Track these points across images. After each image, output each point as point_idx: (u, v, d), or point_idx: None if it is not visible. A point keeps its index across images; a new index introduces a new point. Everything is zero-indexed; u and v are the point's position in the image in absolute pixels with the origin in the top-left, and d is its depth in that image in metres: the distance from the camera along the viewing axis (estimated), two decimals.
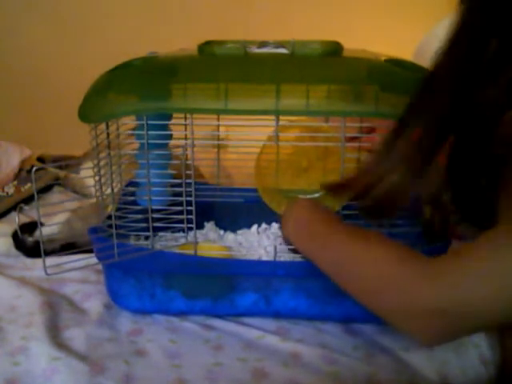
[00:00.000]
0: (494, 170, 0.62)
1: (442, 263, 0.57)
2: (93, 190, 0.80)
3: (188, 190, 0.77)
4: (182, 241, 0.80)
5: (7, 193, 1.22)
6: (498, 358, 0.75)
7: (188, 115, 0.78)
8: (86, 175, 0.83)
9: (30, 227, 1.02)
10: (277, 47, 0.79)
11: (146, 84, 0.75)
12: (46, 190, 1.24)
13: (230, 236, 1.00)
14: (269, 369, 0.73)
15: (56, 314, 0.82)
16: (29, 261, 0.98)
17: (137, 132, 0.82)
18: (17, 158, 1.30)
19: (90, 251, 0.80)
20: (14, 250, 1.00)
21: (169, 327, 0.80)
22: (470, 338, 0.77)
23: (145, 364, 0.73)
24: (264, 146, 0.94)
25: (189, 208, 0.78)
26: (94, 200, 0.84)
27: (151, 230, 0.78)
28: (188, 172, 0.78)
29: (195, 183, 0.78)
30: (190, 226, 0.78)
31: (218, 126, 0.85)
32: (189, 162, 0.79)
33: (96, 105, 0.76)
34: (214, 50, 0.78)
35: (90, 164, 0.78)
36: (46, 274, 0.71)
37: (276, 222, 1.01)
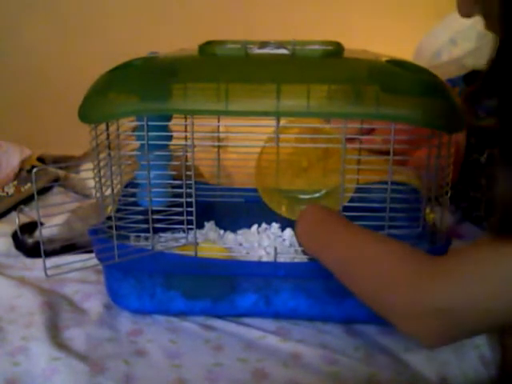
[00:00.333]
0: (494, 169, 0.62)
1: (444, 263, 0.57)
2: (93, 190, 0.80)
3: (188, 190, 0.77)
4: (183, 241, 0.80)
5: (7, 193, 1.22)
6: (499, 359, 0.75)
7: (188, 116, 0.78)
8: (86, 176, 0.83)
9: (30, 227, 1.02)
10: (277, 48, 0.79)
11: (146, 84, 0.75)
12: (46, 190, 1.24)
13: (229, 236, 1.00)
14: (269, 369, 0.72)
15: (56, 314, 0.82)
16: (29, 261, 0.98)
17: (137, 133, 0.82)
18: (17, 158, 1.30)
19: (90, 251, 0.80)
20: (14, 250, 1.00)
21: (169, 327, 0.80)
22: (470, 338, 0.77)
23: (145, 364, 0.73)
24: (264, 146, 0.94)
25: (189, 209, 0.78)
26: (94, 200, 0.84)
27: (151, 230, 0.78)
28: (188, 173, 0.77)
29: (195, 183, 0.78)
30: (190, 227, 0.78)
31: (218, 126, 0.85)
32: (189, 163, 0.79)
33: (96, 105, 0.76)
34: (215, 51, 0.78)
35: (90, 164, 0.78)
36: (46, 275, 0.71)
37: (276, 221, 1.01)
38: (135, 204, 0.82)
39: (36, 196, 0.71)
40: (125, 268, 0.80)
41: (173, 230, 0.93)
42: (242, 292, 0.80)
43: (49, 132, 1.67)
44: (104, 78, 0.76)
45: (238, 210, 1.00)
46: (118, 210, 0.80)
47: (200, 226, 1.00)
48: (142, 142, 0.77)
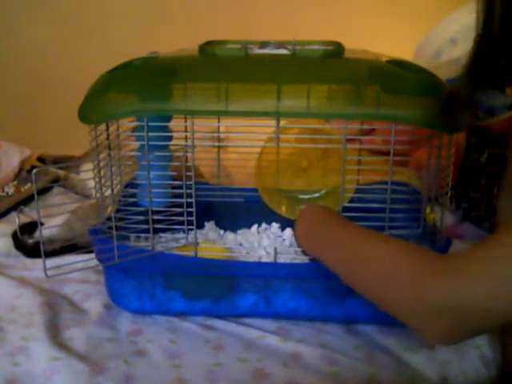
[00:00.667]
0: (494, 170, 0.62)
1: (451, 261, 0.57)
2: (93, 190, 0.80)
3: (188, 191, 0.77)
4: (183, 242, 0.80)
5: (7, 193, 1.22)
6: (499, 359, 0.75)
7: (188, 116, 0.78)
8: (86, 176, 0.83)
9: (30, 227, 1.02)
10: (278, 48, 0.78)
11: (146, 84, 0.75)
12: (46, 190, 1.24)
13: (229, 236, 1.00)
14: (269, 369, 0.72)
15: (56, 314, 0.82)
16: (29, 261, 0.98)
17: (137, 134, 0.82)
18: (17, 158, 1.30)
19: (91, 252, 0.80)
20: (13, 250, 1.00)
21: (169, 327, 0.80)
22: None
23: (145, 364, 0.73)
24: (264, 146, 0.94)
25: (189, 209, 0.78)
26: (94, 201, 0.84)
27: (151, 231, 0.78)
28: (188, 173, 0.77)
29: (195, 183, 0.78)
30: (190, 227, 0.78)
31: (219, 126, 0.85)
32: (189, 164, 0.78)
33: (96, 105, 0.76)
34: (215, 51, 0.78)
35: (90, 165, 0.78)
36: (46, 276, 0.71)
37: (276, 221, 1.01)
38: (135, 204, 0.82)
39: (36, 196, 0.71)
40: (125, 268, 0.80)
41: (173, 231, 0.93)
42: (242, 292, 0.80)
43: (49, 132, 1.67)
44: (104, 78, 0.76)
45: (238, 209, 1.00)
46: (118, 211, 0.80)
47: (200, 226, 1.00)
48: (142, 142, 0.77)
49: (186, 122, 0.84)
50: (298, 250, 0.81)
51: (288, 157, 0.95)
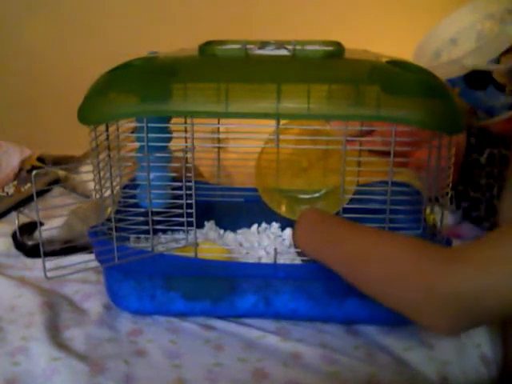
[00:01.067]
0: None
1: (458, 251, 0.57)
2: (93, 191, 0.80)
3: (188, 192, 0.77)
4: (183, 242, 0.80)
5: (7, 193, 1.22)
6: (500, 358, 0.75)
7: (188, 116, 0.78)
8: (86, 177, 0.83)
9: (30, 228, 1.02)
10: (278, 48, 0.78)
11: (146, 85, 0.75)
12: (46, 191, 1.24)
13: (229, 235, 1.00)
14: (269, 369, 0.72)
15: (56, 314, 0.82)
16: (29, 261, 0.98)
17: (136, 134, 0.82)
18: (17, 158, 1.30)
19: (91, 252, 0.80)
20: (13, 250, 1.00)
21: (169, 327, 0.80)
22: (470, 337, 0.77)
23: (145, 364, 0.73)
24: (264, 147, 0.94)
25: (189, 210, 0.78)
26: (94, 201, 0.84)
27: (151, 232, 0.78)
28: (188, 174, 0.77)
29: (195, 183, 0.78)
30: (190, 228, 0.78)
31: (218, 127, 0.85)
32: (189, 165, 0.78)
33: (95, 106, 0.75)
34: (215, 51, 0.78)
35: (90, 165, 0.78)
36: (46, 277, 0.71)
37: (276, 221, 1.01)
38: (135, 205, 0.82)
39: (35, 197, 0.71)
40: (125, 269, 0.79)
41: (173, 231, 0.93)
42: (242, 293, 0.80)
43: (49, 132, 1.67)
44: (104, 78, 0.76)
45: (238, 209, 1.00)
46: (117, 212, 0.80)
47: (200, 225, 1.00)
48: (142, 143, 0.77)
49: (185, 122, 0.84)
50: (297, 250, 0.81)
51: (288, 157, 0.96)
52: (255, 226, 1.01)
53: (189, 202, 0.77)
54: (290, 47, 0.78)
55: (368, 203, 0.81)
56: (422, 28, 1.24)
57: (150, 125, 0.76)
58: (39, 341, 0.76)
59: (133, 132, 0.83)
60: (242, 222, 1.02)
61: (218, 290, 0.80)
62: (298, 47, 0.78)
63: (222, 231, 1.02)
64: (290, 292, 0.79)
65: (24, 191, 1.22)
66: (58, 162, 1.36)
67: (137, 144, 0.83)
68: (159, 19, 1.70)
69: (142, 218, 0.78)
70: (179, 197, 0.78)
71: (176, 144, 0.87)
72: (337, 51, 0.77)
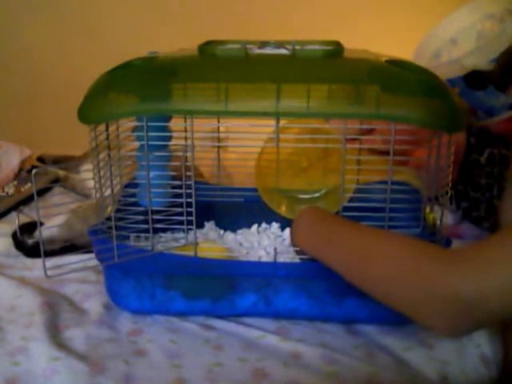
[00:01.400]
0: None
1: (462, 252, 0.57)
2: (93, 190, 0.80)
3: (188, 191, 0.77)
4: (183, 241, 0.80)
5: (7, 193, 1.22)
6: (500, 358, 0.75)
7: (188, 116, 0.78)
8: (86, 176, 0.83)
9: (30, 227, 1.02)
10: (277, 48, 0.79)
11: (146, 84, 0.75)
12: (46, 190, 1.24)
13: (229, 236, 1.00)
14: (269, 369, 0.72)
15: (56, 314, 0.82)
16: (29, 261, 0.98)
17: (136, 133, 0.82)
18: (17, 158, 1.30)
19: (90, 251, 0.80)
20: (13, 250, 1.00)
21: (169, 327, 0.80)
22: (470, 337, 0.77)
23: (145, 364, 0.73)
24: (264, 146, 0.94)
25: (189, 209, 0.78)
26: (94, 201, 0.84)
27: (151, 231, 0.78)
28: (188, 173, 0.77)
29: (195, 183, 0.78)
30: (190, 227, 0.78)
31: (218, 126, 0.85)
32: (189, 164, 0.78)
33: (95, 105, 0.75)
34: (215, 51, 0.78)
35: (90, 165, 0.78)
36: (46, 276, 0.71)
37: (276, 221, 1.01)
38: (135, 204, 0.82)
39: (36, 196, 0.71)
40: (125, 268, 0.80)
41: (173, 230, 0.93)
42: (242, 292, 0.80)
43: (49, 132, 1.67)
44: (104, 78, 0.76)
45: (238, 209, 1.00)
46: (117, 211, 0.80)
47: (200, 225, 1.00)
48: (142, 142, 0.77)
49: (185, 121, 0.84)
50: (296, 248, 0.81)
51: (288, 156, 0.96)
52: (255, 226, 1.01)
53: (189, 200, 0.77)
54: (289, 47, 0.78)
55: (368, 202, 0.81)
56: (422, 28, 1.25)
57: (149, 124, 0.76)
58: (39, 341, 0.76)
59: (133, 131, 0.83)
60: (242, 222, 1.02)
61: (218, 288, 0.80)
62: (298, 47, 0.78)
63: (222, 231, 1.02)
64: (290, 291, 0.79)
65: (24, 191, 1.22)
66: (58, 161, 1.36)
67: (137, 143, 0.83)
68: (159, 19, 1.70)
69: (141, 217, 0.78)
70: (179, 196, 0.78)
71: (176, 143, 0.87)
72: (336, 51, 0.77)
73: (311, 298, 0.79)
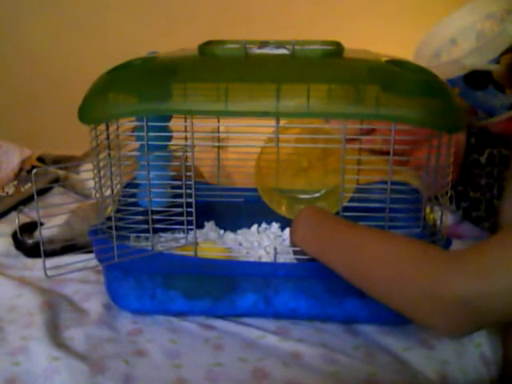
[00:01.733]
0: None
1: (462, 254, 0.57)
2: (93, 190, 0.80)
3: (188, 191, 0.77)
4: (183, 242, 0.80)
5: (7, 193, 1.22)
6: (500, 358, 0.75)
7: (188, 116, 0.78)
8: (86, 176, 0.83)
9: (30, 227, 1.02)
10: (277, 47, 0.79)
11: (146, 84, 0.75)
12: (46, 190, 1.24)
13: (229, 235, 1.00)
14: (269, 369, 0.72)
15: (56, 314, 0.82)
16: (29, 261, 0.98)
17: (136, 134, 0.82)
18: (17, 158, 1.30)
19: (91, 252, 0.80)
20: (13, 250, 1.00)
21: (169, 327, 0.80)
22: (470, 337, 0.77)
23: (145, 364, 0.73)
24: (264, 146, 0.94)
25: (189, 209, 0.78)
26: (94, 201, 0.84)
27: (151, 231, 0.78)
28: (188, 173, 0.77)
29: (195, 183, 0.78)
30: (190, 227, 0.78)
31: (218, 126, 0.85)
32: (189, 164, 0.79)
33: (96, 106, 0.75)
34: (215, 51, 0.78)
35: (90, 165, 0.78)
36: (46, 276, 0.71)
37: (276, 221, 1.01)
38: (135, 204, 0.82)
39: (36, 196, 0.71)
40: (125, 268, 0.80)
41: (173, 230, 0.93)
42: (242, 292, 0.80)
43: (49, 132, 1.67)
44: (104, 78, 0.76)
45: (238, 210, 1.00)
46: (117, 211, 0.80)
47: (200, 226, 1.00)
48: (142, 142, 0.77)
49: (185, 121, 0.84)
50: (294, 248, 0.81)
51: (288, 157, 0.96)
52: (255, 226, 1.01)
53: (189, 200, 0.77)
54: (289, 47, 0.78)
55: (368, 202, 0.81)
56: (422, 28, 1.25)
57: (150, 124, 0.76)
58: (39, 341, 0.75)
59: (133, 131, 0.83)
60: (242, 222, 1.02)
61: (218, 288, 0.80)
62: (298, 47, 0.78)
63: (222, 231, 1.02)
64: (290, 291, 0.79)
65: (24, 191, 1.22)
66: (58, 161, 1.36)
67: (137, 143, 0.83)
68: (159, 19, 1.71)
69: (141, 217, 0.78)
70: (179, 196, 0.78)
71: (176, 143, 0.87)
72: (336, 51, 0.77)
73: (311, 298, 0.79)
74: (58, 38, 1.74)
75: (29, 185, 1.23)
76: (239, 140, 0.82)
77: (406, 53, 0.99)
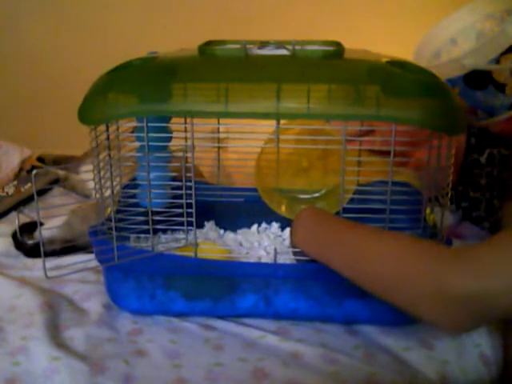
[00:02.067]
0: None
1: (465, 251, 0.57)
2: (93, 190, 0.80)
3: (188, 191, 0.77)
4: (183, 242, 0.80)
5: (7, 193, 1.22)
6: (500, 358, 0.75)
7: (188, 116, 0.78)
8: (87, 176, 0.83)
9: (30, 227, 1.02)
10: (277, 48, 0.78)
11: (146, 85, 0.75)
12: (46, 190, 1.24)
13: (229, 235, 1.00)
14: (269, 369, 0.72)
15: (56, 314, 0.82)
16: (29, 261, 0.98)
17: (136, 134, 0.82)
18: (17, 158, 1.30)
19: (91, 252, 0.80)
20: (13, 250, 1.00)
21: (169, 327, 0.80)
22: (470, 337, 0.77)
23: (145, 364, 0.73)
24: (264, 147, 0.94)
25: (189, 210, 0.78)
26: (94, 201, 0.84)
27: (151, 231, 0.78)
28: (188, 174, 0.77)
29: (195, 183, 0.78)
30: (190, 228, 0.78)
31: (218, 126, 0.85)
32: (189, 165, 0.78)
33: (95, 106, 0.75)
34: (215, 51, 0.78)
35: (90, 165, 0.78)
36: (46, 276, 0.71)
37: (276, 221, 1.01)
38: (135, 205, 0.82)
39: (36, 197, 0.71)
40: (125, 269, 0.79)
41: (173, 231, 0.93)
42: (242, 293, 0.80)
43: (49, 132, 1.67)
44: (103, 79, 0.76)
45: (238, 209, 1.00)
46: (118, 211, 0.80)
47: (200, 225, 1.00)
48: (142, 142, 0.77)
49: (185, 122, 0.84)
50: (294, 249, 0.81)
51: (288, 157, 0.96)
52: (255, 226, 1.01)
53: (189, 201, 0.77)
54: (289, 47, 0.78)
55: (368, 203, 0.81)
56: (422, 28, 1.25)
57: (150, 124, 0.76)
58: (39, 341, 0.75)
59: (133, 132, 0.83)
60: (241, 222, 1.02)
61: (218, 289, 0.80)
62: (298, 47, 0.78)
63: (222, 231, 1.02)
64: (290, 292, 0.79)
65: (24, 191, 1.22)
66: (58, 161, 1.37)
67: (137, 144, 0.83)
68: (159, 19, 1.71)
69: (142, 218, 0.78)
70: (179, 196, 0.78)
71: (176, 144, 0.87)
72: (337, 51, 0.77)
73: (311, 299, 0.79)
74: (58, 38, 1.74)
75: (29, 185, 1.23)
76: (239, 140, 0.82)
77: (405, 53, 0.99)
